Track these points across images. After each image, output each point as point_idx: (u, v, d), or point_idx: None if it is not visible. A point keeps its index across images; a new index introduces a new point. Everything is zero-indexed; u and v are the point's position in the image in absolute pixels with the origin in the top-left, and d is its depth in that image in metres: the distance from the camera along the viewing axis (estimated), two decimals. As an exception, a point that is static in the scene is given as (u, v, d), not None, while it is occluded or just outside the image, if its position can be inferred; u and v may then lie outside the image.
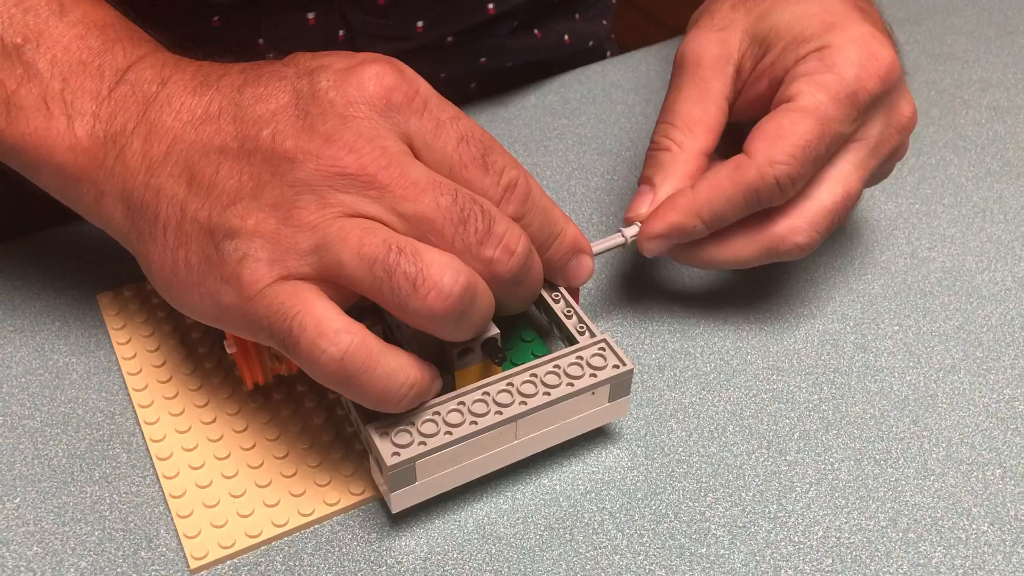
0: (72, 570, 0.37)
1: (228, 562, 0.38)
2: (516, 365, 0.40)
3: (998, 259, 0.50)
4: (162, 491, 0.40)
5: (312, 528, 0.39)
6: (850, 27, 0.43)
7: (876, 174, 0.46)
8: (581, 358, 0.39)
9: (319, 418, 0.42)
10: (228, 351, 0.39)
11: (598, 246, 0.43)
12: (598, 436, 0.42)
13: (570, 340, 0.40)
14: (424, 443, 0.36)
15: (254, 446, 0.41)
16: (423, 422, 0.37)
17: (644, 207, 0.44)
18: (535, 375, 0.38)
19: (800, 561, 0.38)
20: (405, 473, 0.36)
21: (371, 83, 0.36)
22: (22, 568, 0.37)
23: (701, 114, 0.44)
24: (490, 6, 0.57)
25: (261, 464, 0.40)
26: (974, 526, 0.40)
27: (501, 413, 0.37)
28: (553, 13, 0.63)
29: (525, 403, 0.38)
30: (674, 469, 0.41)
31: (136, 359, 0.44)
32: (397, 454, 0.36)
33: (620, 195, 0.53)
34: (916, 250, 0.51)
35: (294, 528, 0.39)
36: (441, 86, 0.39)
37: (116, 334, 0.45)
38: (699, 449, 0.42)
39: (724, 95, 0.45)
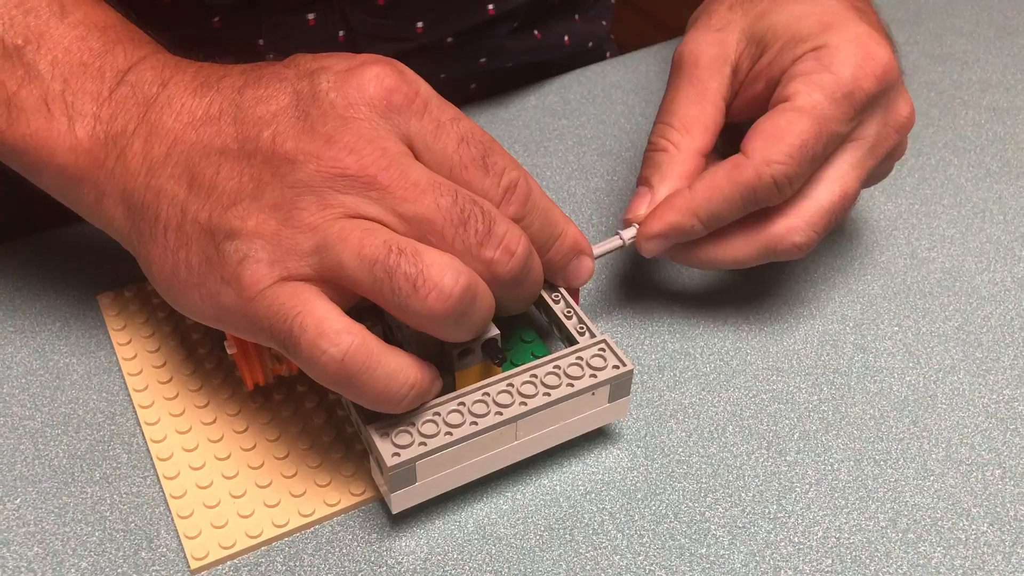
0: (73, 570, 0.38)
1: (228, 562, 0.38)
2: (516, 366, 0.40)
3: (998, 260, 0.51)
4: (163, 492, 0.40)
5: (312, 528, 0.39)
6: (847, 27, 0.43)
7: (874, 174, 0.46)
8: (581, 359, 0.39)
9: (319, 419, 0.42)
10: (228, 352, 0.39)
11: (596, 249, 0.43)
12: (598, 437, 0.42)
13: (570, 341, 0.40)
14: (424, 444, 0.36)
15: (254, 447, 0.41)
16: (423, 423, 0.37)
17: (642, 208, 0.44)
18: (535, 376, 0.38)
19: (800, 561, 0.38)
20: (405, 474, 0.36)
21: (371, 84, 0.36)
22: (23, 568, 0.38)
23: (698, 114, 0.44)
24: (490, 7, 0.57)
25: (262, 465, 0.40)
26: (974, 526, 0.40)
27: (501, 414, 0.37)
28: (553, 14, 0.63)
29: (525, 404, 0.38)
30: (674, 470, 0.41)
31: (137, 360, 0.44)
32: (397, 455, 0.36)
33: (620, 195, 0.53)
34: (916, 251, 0.51)
35: (294, 528, 0.39)
36: (441, 87, 0.39)
37: (117, 335, 0.45)
38: (699, 450, 0.42)
39: (721, 95, 0.45)
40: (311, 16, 0.53)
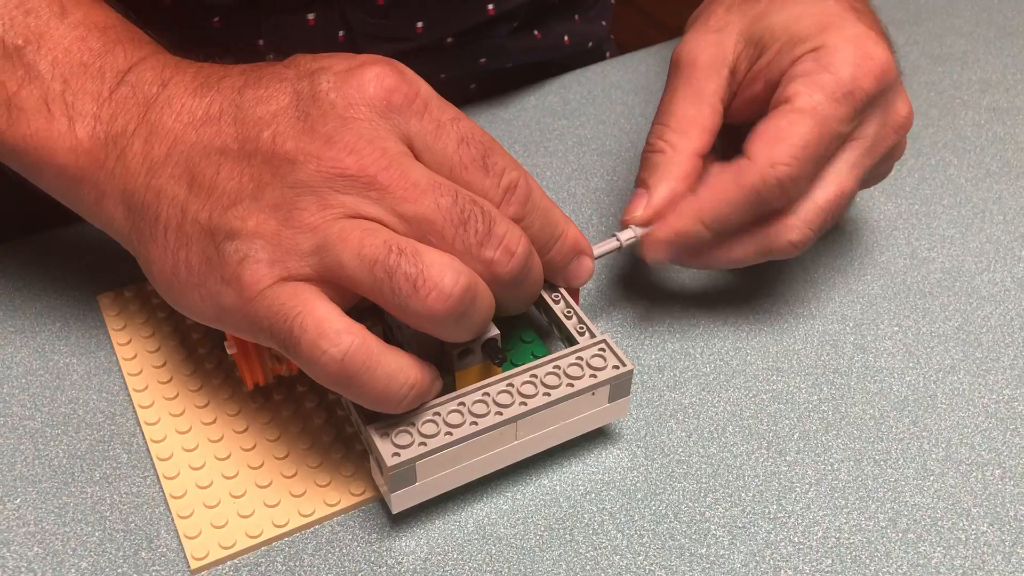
0: (73, 570, 0.38)
1: (228, 562, 0.38)
2: (516, 366, 0.40)
3: (997, 260, 0.51)
4: (163, 492, 0.40)
5: (312, 528, 0.39)
6: (845, 27, 0.43)
7: (874, 173, 0.46)
8: (581, 359, 0.39)
9: (319, 419, 0.42)
10: (228, 352, 0.39)
11: (593, 251, 0.43)
12: (598, 437, 0.42)
13: (570, 341, 0.40)
14: (424, 444, 0.36)
15: (255, 447, 0.41)
16: (423, 423, 0.37)
17: (639, 209, 0.44)
18: (535, 376, 0.38)
19: (800, 561, 0.38)
20: (405, 474, 0.36)
21: (372, 85, 0.36)
22: (23, 569, 0.38)
23: (695, 115, 0.44)
24: (490, 7, 0.57)
25: (262, 465, 0.40)
26: (973, 526, 0.40)
27: (501, 414, 0.37)
28: (553, 14, 0.63)
29: (525, 404, 0.38)
30: (674, 470, 0.41)
31: (137, 360, 0.44)
32: (397, 455, 0.36)
33: (620, 196, 0.53)
34: (916, 251, 0.51)
35: (295, 528, 0.39)
36: (441, 87, 0.39)
37: (117, 335, 0.45)
38: (699, 450, 0.42)
39: (718, 96, 0.45)
40: (311, 16, 0.53)
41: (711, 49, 0.45)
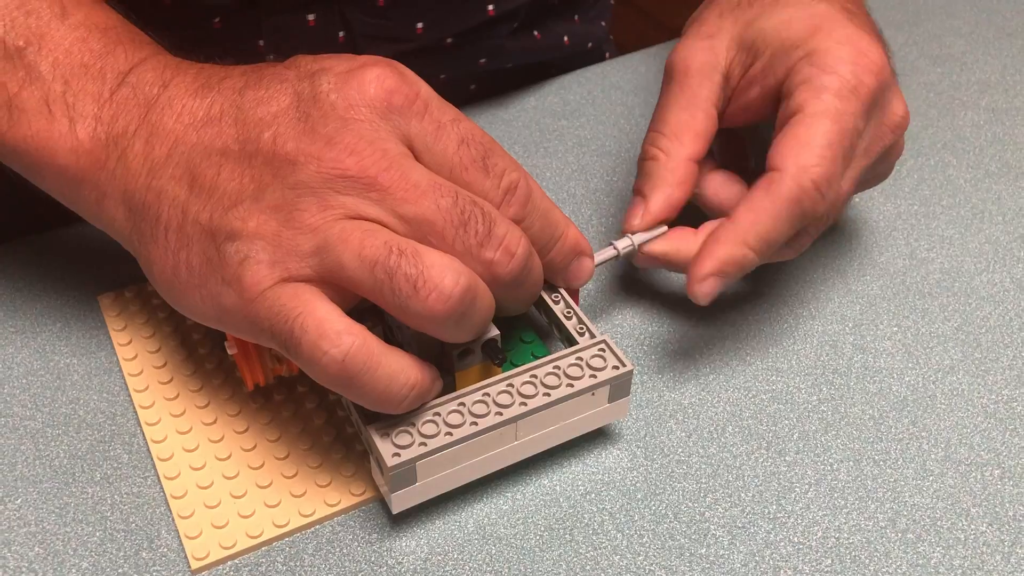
0: (74, 571, 0.38)
1: (229, 563, 0.38)
2: (516, 366, 0.40)
3: (996, 260, 0.51)
4: (163, 492, 0.40)
5: (313, 529, 0.39)
6: (835, 30, 0.43)
7: (872, 174, 0.46)
8: (581, 359, 0.39)
9: (320, 419, 0.42)
10: (229, 352, 0.39)
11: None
12: (598, 437, 0.42)
13: (570, 341, 0.41)
14: (425, 444, 0.36)
15: (255, 447, 0.41)
16: (424, 423, 0.37)
17: (636, 218, 0.44)
18: (535, 376, 0.39)
19: (799, 561, 0.39)
20: (406, 474, 0.36)
21: (372, 86, 0.36)
22: (24, 569, 0.38)
23: (688, 120, 0.44)
24: (490, 7, 0.57)
25: (262, 465, 0.40)
26: (973, 526, 0.40)
27: (501, 414, 0.37)
28: (552, 14, 0.63)
29: (525, 404, 0.38)
30: (674, 470, 0.41)
31: (137, 360, 0.44)
32: (398, 455, 0.36)
33: (620, 196, 0.54)
34: (915, 251, 0.51)
35: (295, 529, 0.39)
36: (441, 87, 0.39)
37: (117, 335, 0.45)
38: (698, 450, 0.42)
39: (711, 101, 0.45)
40: (311, 17, 0.53)
41: (703, 55, 0.45)
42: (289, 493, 0.40)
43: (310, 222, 0.35)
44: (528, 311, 0.42)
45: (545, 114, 0.59)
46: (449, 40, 0.58)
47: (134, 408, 0.43)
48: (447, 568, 0.38)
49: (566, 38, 0.63)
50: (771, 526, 0.40)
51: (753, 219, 0.41)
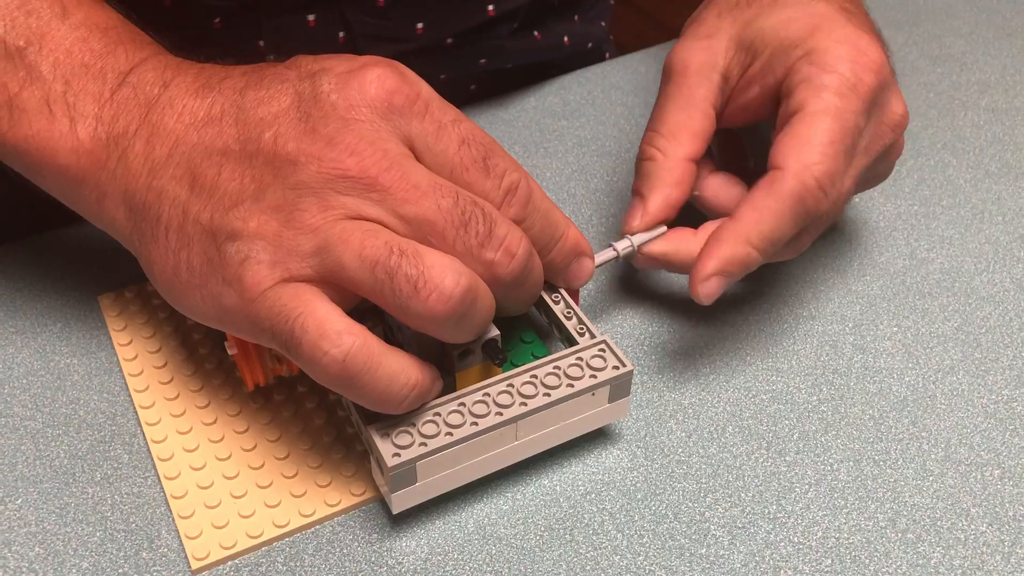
0: (74, 571, 0.38)
1: (229, 563, 0.38)
2: (516, 366, 0.40)
3: (996, 260, 0.51)
4: (163, 492, 0.40)
5: (313, 529, 0.39)
6: (834, 29, 0.43)
7: (872, 174, 0.46)
8: (581, 359, 0.39)
9: (320, 419, 0.42)
10: (229, 352, 0.39)
11: None
12: (598, 437, 0.42)
13: (570, 341, 0.41)
14: (425, 444, 0.36)
15: (255, 447, 0.41)
16: (424, 423, 0.37)
17: (635, 220, 0.44)
18: (535, 376, 0.39)
19: (799, 561, 0.39)
20: (406, 474, 0.36)
21: (373, 86, 0.36)
22: (24, 569, 0.38)
23: (686, 120, 0.44)
24: (490, 7, 0.57)
25: (262, 465, 0.40)
26: (973, 526, 0.40)
27: (501, 414, 0.37)
28: (552, 15, 0.63)
29: (525, 404, 0.38)
30: (674, 470, 0.41)
31: (137, 360, 0.44)
32: (398, 455, 0.36)
33: (620, 196, 0.54)
34: (915, 251, 0.51)
35: (295, 529, 0.39)
36: (441, 88, 0.39)
37: (117, 335, 0.45)
38: (699, 450, 0.42)
39: (709, 101, 0.45)
40: (311, 17, 0.53)
41: (701, 55, 0.45)
42: (289, 493, 0.40)
43: (311, 222, 0.35)
44: (528, 311, 0.42)
45: (545, 114, 0.59)
46: (449, 40, 0.58)
47: (134, 408, 0.43)
48: (447, 568, 0.38)
49: (566, 38, 0.63)
50: (771, 526, 0.40)
51: (756, 218, 0.41)
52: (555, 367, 0.39)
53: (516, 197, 0.37)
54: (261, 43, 0.54)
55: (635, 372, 0.44)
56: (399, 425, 0.37)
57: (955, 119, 0.59)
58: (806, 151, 0.41)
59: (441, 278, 0.34)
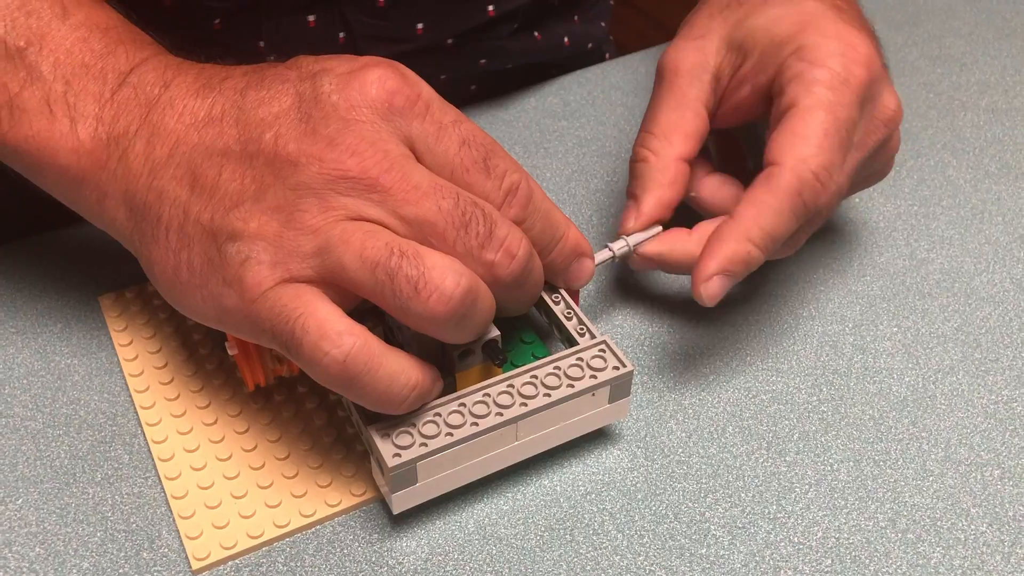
0: (74, 571, 0.38)
1: (230, 563, 0.38)
2: (516, 367, 0.40)
3: (996, 261, 0.51)
4: (164, 492, 0.40)
5: (314, 529, 0.39)
6: (823, 25, 0.43)
7: (870, 170, 0.46)
8: (581, 359, 0.39)
9: (320, 419, 0.42)
10: (230, 353, 0.40)
11: None
12: (598, 437, 0.42)
13: (570, 341, 0.41)
14: (425, 444, 0.36)
15: (256, 447, 0.41)
16: (424, 423, 0.37)
17: (630, 221, 0.44)
18: (535, 376, 0.39)
19: (799, 562, 0.39)
20: (406, 474, 0.36)
21: (374, 87, 0.36)
22: (24, 569, 0.38)
23: (677, 120, 0.45)
24: (490, 8, 0.57)
25: (263, 465, 0.40)
26: (973, 527, 0.40)
27: (502, 414, 0.37)
28: (552, 15, 0.63)
29: (526, 404, 0.38)
30: (674, 470, 0.41)
31: (138, 361, 0.44)
32: (398, 455, 0.36)
33: (620, 197, 0.54)
34: (915, 251, 0.51)
35: (296, 529, 0.39)
36: (441, 88, 0.39)
37: (118, 336, 0.45)
38: (699, 450, 0.42)
39: (701, 101, 0.45)
40: (311, 18, 0.53)
41: (693, 56, 0.45)
42: (290, 493, 0.40)
43: (311, 223, 0.35)
44: (529, 312, 0.42)
45: (545, 115, 0.59)
46: (449, 41, 0.58)
47: (135, 408, 0.43)
48: (447, 568, 0.38)
49: (566, 39, 0.63)
50: (771, 526, 0.40)
51: (755, 214, 0.41)
52: (555, 367, 0.39)
53: (516, 198, 0.37)
54: (261, 44, 0.54)
55: (635, 372, 0.44)
56: (399, 425, 0.37)
57: (955, 119, 0.59)
58: (801, 145, 0.41)
59: (441, 279, 0.34)
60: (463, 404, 0.38)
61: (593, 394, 0.39)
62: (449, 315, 0.34)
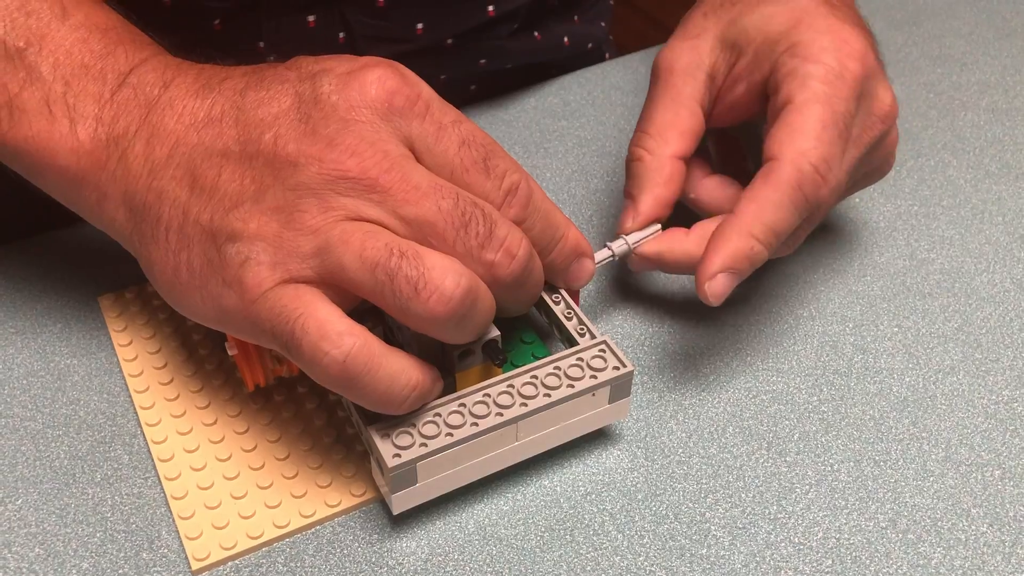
0: (74, 571, 0.38)
1: (230, 563, 0.38)
2: (517, 367, 0.40)
3: (997, 261, 0.51)
4: (164, 492, 0.40)
5: (313, 529, 0.39)
6: (816, 21, 0.44)
7: (867, 167, 0.46)
8: (581, 360, 0.39)
9: (320, 420, 0.42)
10: (229, 353, 0.39)
11: None
12: (598, 437, 0.42)
13: (570, 342, 0.41)
14: (425, 444, 0.36)
15: (255, 448, 0.41)
16: (424, 424, 0.37)
17: (628, 221, 0.44)
18: (536, 377, 0.39)
19: (800, 562, 0.39)
20: (406, 474, 0.36)
21: (373, 87, 0.36)
22: (24, 569, 0.38)
23: (672, 119, 0.45)
24: (490, 8, 0.57)
25: (262, 466, 0.40)
26: (973, 527, 0.40)
27: (502, 415, 0.37)
28: (552, 15, 0.63)
29: (526, 405, 0.38)
30: (674, 470, 0.41)
31: (137, 361, 0.44)
32: (398, 455, 0.36)
33: (620, 197, 0.54)
34: (915, 252, 0.51)
35: (295, 529, 0.39)
36: (441, 88, 0.39)
37: (118, 336, 0.45)
38: (699, 450, 0.42)
39: (696, 100, 0.45)
40: (311, 18, 0.53)
41: (687, 55, 0.46)
42: (290, 494, 0.40)
43: (311, 223, 0.35)
44: (529, 312, 0.42)
45: (545, 115, 0.59)
46: (449, 41, 0.58)
47: (134, 409, 0.43)
48: (448, 569, 0.38)
49: (566, 39, 0.63)
50: (772, 527, 0.40)
51: (756, 209, 0.40)
52: (555, 368, 0.39)
53: (516, 198, 0.37)
54: (261, 44, 0.54)
55: (635, 372, 0.44)
56: (399, 426, 0.37)
57: (955, 119, 0.59)
58: (800, 139, 0.41)
59: (441, 279, 0.34)
60: (463, 404, 0.38)
61: (593, 394, 0.39)
62: (449, 315, 0.34)
